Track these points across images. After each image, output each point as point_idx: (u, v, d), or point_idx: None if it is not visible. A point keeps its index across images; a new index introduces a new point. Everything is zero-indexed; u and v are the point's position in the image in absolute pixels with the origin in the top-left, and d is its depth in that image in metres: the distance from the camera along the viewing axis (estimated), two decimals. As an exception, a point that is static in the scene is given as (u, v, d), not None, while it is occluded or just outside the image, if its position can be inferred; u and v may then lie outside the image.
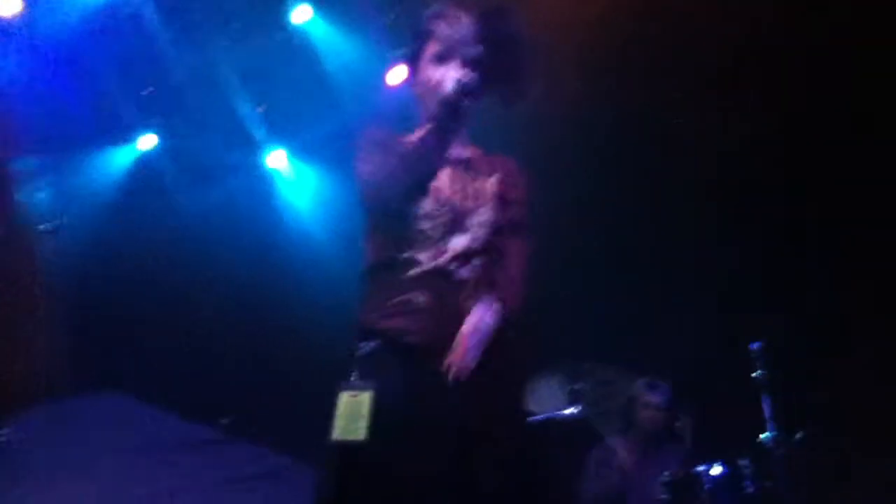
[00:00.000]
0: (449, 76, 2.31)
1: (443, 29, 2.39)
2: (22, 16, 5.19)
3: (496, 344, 2.27)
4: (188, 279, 6.08)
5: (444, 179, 2.37)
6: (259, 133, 6.46)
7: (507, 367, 2.29)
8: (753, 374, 4.13)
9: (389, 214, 2.35)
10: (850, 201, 5.19)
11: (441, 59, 2.38)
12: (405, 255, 2.32)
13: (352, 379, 2.24)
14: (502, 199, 2.44)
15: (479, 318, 2.26)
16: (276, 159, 6.68)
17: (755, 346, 4.17)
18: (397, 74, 6.04)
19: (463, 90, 2.27)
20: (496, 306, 2.29)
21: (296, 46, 6.04)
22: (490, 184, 2.45)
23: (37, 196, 5.46)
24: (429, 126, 2.31)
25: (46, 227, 4.44)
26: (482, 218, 2.39)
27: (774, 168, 5.43)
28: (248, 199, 6.65)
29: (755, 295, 5.40)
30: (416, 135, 2.38)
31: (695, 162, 5.65)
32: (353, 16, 5.86)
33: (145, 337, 5.71)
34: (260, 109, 6.34)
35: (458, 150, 2.44)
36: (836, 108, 5.12)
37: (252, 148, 6.56)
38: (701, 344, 5.24)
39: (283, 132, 6.55)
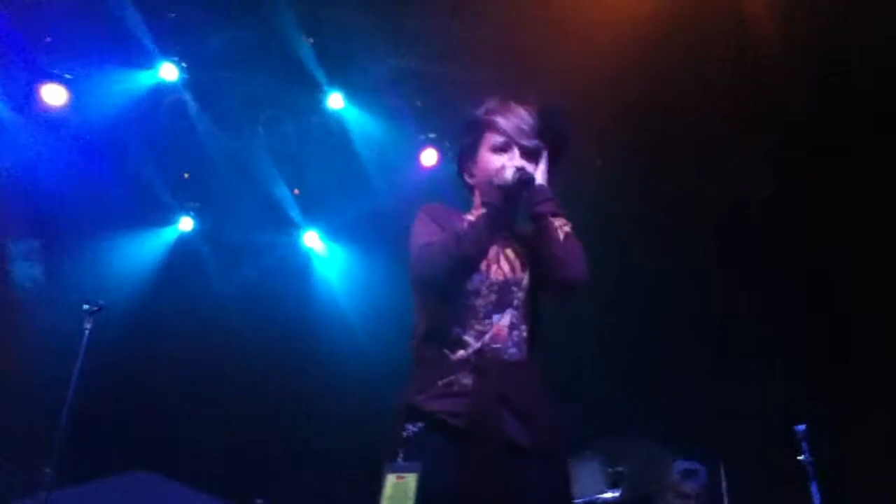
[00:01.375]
0: (509, 165, 2.41)
1: (501, 121, 2.49)
2: (69, 106, 5.40)
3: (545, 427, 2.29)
4: (224, 358, 6.13)
5: (495, 257, 2.44)
6: (294, 214, 6.58)
7: (552, 450, 2.30)
8: (800, 457, 3.93)
9: (437, 290, 2.40)
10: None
11: (500, 149, 2.49)
12: (453, 332, 2.37)
13: (398, 460, 2.25)
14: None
15: None
16: (311, 240, 6.78)
17: (800, 427, 3.98)
18: (429, 157, 6.18)
19: (522, 179, 2.37)
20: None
21: (329, 130, 6.18)
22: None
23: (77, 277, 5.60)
24: (485, 210, 2.38)
25: (89, 307, 4.52)
26: (524, 282, 2.46)
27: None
28: (283, 279, 6.73)
29: (801, 372, 5.26)
30: (472, 216, 2.43)
31: (730, 231, 5.60)
32: (384, 101, 6.00)
33: (181, 415, 5.72)
34: (295, 192, 6.47)
35: (514, 228, 2.53)
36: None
37: (287, 229, 6.67)
38: (753, 427, 5.06)
39: (316, 213, 6.67)
